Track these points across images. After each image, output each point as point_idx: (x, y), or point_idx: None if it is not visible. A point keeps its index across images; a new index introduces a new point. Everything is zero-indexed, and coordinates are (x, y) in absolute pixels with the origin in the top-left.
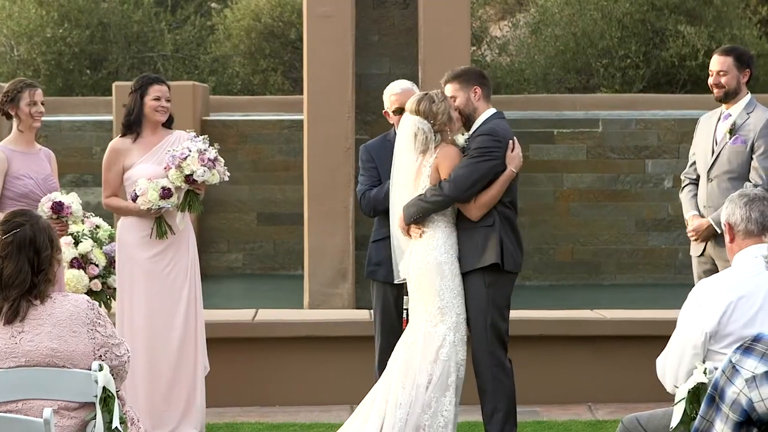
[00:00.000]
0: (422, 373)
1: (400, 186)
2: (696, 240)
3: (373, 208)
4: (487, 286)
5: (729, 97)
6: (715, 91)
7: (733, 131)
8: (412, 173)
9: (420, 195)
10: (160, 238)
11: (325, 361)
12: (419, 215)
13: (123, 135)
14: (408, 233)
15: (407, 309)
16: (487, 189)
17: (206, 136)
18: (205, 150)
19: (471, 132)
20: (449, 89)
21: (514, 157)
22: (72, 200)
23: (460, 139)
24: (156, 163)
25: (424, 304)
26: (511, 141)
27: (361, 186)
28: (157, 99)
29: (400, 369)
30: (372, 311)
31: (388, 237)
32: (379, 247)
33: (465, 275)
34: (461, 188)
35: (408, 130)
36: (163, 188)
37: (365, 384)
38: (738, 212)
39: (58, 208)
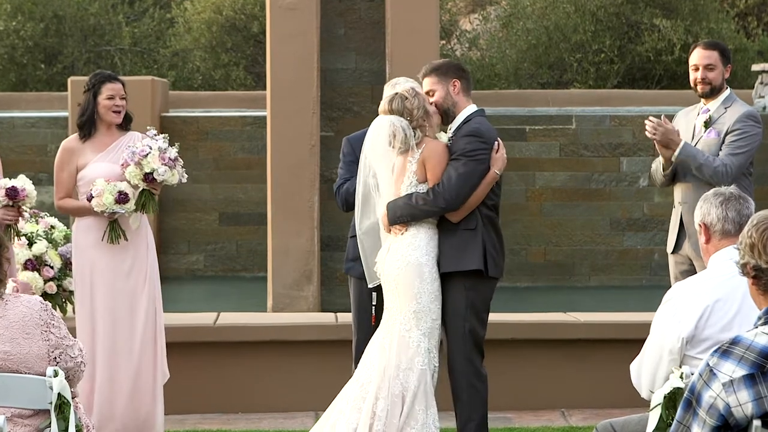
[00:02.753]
0: (395, 380)
1: (381, 189)
2: (654, 136)
3: (345, 202)
4: (467, 290)
5: (714, 92)
6: (700, 87)
7: (708, 124)
8: (391, 175)
9: (409, 197)
10: (112, 242)
11: (289, 366)
12: (406, 219)
13: (80, 137)
14: (389, 230)
15: (375, 305)
16: None
17: (166, 135)
18: (165, 149)
19: (453, 129)
20: (427, 83)
21: (498, 159)
22: (23, 183)
23: (444, 137)
24: (111, 162)
25: (399, 306)
26: (496, 142)
27: (339, 179)
28: (111, 98)
29: (376, 377)
30: (335, 314)
31: None
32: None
33: (443, 277)
34: (454, 200)
35: (384, 131)
36: (120, 192)
37: (331, 390)
38: (714, 212)
39: (12, 193)
